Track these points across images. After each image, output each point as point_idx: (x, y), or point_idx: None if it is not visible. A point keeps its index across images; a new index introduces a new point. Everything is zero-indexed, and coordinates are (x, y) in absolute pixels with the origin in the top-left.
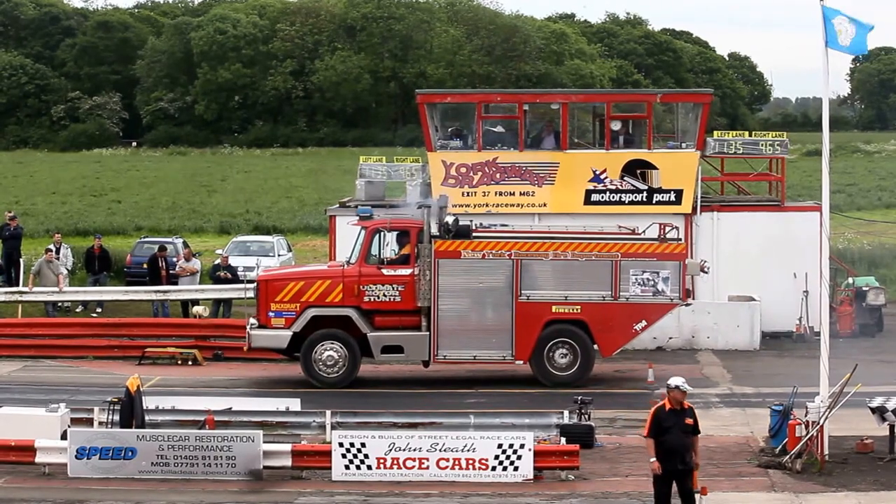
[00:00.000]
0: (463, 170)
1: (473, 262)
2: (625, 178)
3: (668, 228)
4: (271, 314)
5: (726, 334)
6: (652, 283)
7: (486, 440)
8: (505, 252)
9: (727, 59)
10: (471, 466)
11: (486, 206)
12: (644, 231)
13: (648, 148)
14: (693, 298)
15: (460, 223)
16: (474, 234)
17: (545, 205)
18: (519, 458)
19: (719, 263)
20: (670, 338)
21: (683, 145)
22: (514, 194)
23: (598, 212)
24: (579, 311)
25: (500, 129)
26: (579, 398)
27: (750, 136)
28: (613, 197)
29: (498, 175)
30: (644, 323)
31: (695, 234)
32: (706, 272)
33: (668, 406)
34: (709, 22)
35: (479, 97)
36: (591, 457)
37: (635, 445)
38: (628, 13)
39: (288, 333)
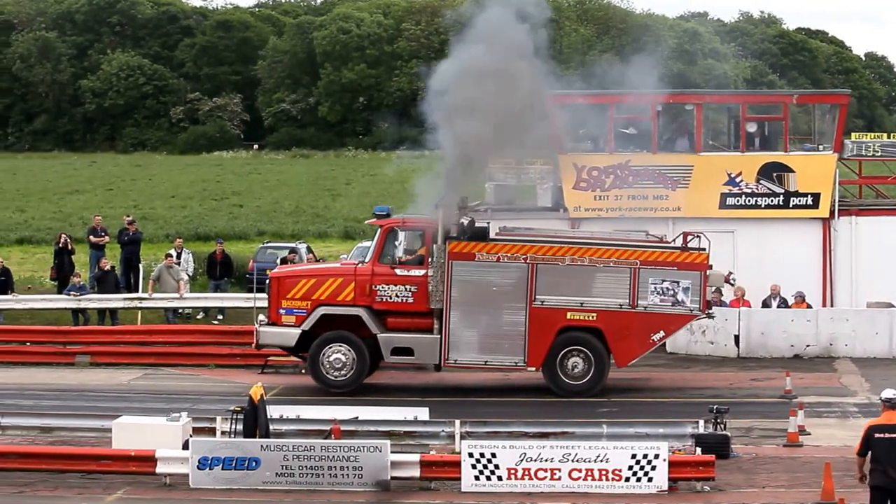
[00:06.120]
0: (595, 173)
1: (488, 264)
2: (761, 182)
3: (690, 237)
4: (282, 311)
5: (864, 342)
6: (672, 292)
7: (619, 450)
8: (520, 255)
9: (864, 59)
10: (604, 477)
11: (619, 209)
12: (674, 240)
13: (785, 150)
14: (832, 305)
15: (476, 225)
16: (492, 237)
17: (679, 209)
18: (653, 468)
19: (858, 269)
20: (807, 345)
21: (820, 147)
22: (646, 198)
23: (733, 216)
24: (595, 318)
25: (632, 130)
26: (715, 407)
27: (888, 137)
28: (749, 200)
29: (630, 178)
30: (662, 333)
31: (833, 238)
32: (732, 284)
33: None
34: (845, 21)
35: (612, 98)
36: (726, 467)
37: (772, 456)
38: (762, 12)
39: (296, 331)
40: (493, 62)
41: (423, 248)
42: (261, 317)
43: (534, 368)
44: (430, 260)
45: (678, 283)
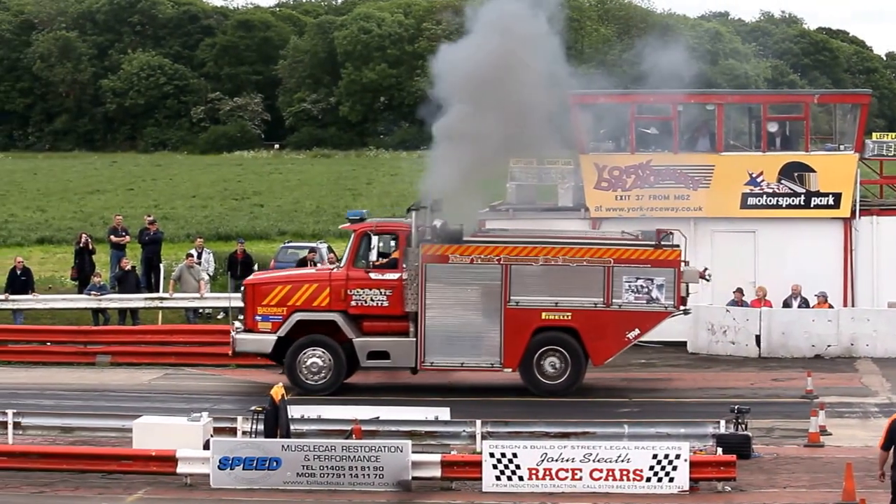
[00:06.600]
0: (616, 172)
1: (462, 266)
2: (782, 181)
3: (663, 234)
4: (258, 318)
5: (886, 342)
6: (646, 290)
7: (640, 450)
8: (494, 257)
9: (885, 58)
10: (625, 477)
11: (640, 209)
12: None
13: (806, 150)
14: (853, 305)
15: (450, 227)
16: (465, 239)
17: (700, 209)
18: (674, 468)
19: (879, 269)
20: (829, 345)
21: (842, 147)
22: (668, 198)
23: (754, 216)
24: (570, 318)
25: (653, 130)
26: (736, 407)
27: None
28: (770, 200)
29: (652, 178)
30: (637, 331)
31: (854, 238)
32: (707, 280)
33: None
34: (865, 21)
35: (633, 98)
36: (748, 467)
37: (793, 456)
38: (783, 12)
39: (272, 338)
40: (493, 59)
41: (397, 251)
42: (237, 324)
43: (510, 369)
44: (404, 263)
45: (652, 280)
